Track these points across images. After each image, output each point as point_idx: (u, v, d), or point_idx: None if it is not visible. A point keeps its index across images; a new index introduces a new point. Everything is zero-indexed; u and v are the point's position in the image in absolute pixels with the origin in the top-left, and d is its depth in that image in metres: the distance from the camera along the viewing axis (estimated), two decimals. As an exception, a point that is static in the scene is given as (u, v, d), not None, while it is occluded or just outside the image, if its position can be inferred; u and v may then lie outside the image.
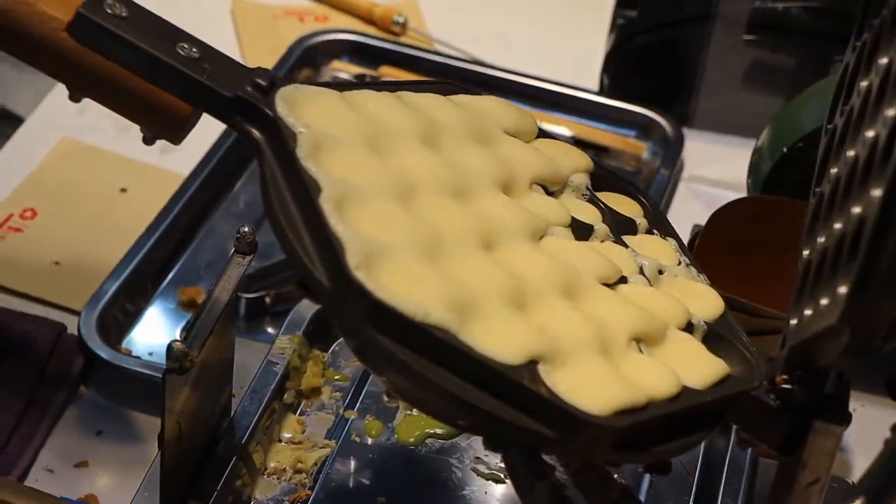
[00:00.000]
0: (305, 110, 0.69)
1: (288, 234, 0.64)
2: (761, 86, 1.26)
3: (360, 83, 0.75)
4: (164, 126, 0.73)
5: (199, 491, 0.81)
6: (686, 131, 1.26)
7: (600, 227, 0.75)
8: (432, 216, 0.67)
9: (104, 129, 1.21)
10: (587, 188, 0.78)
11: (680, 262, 0.76)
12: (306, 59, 1.31)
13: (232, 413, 0.86)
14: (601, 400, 0.62)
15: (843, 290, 0.58)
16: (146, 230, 1.08)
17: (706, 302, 0.74)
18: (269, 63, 1.29)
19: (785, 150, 1.01)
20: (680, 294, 0.73)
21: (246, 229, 0.79)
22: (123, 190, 1.17)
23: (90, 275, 1.05)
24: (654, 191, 1.18)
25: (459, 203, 0.70)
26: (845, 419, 0.65)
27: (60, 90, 0.80)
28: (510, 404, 0.61)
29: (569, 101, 1.28)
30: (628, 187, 0.81)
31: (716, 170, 1.24)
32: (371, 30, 1.39)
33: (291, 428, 0.89)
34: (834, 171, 0.70)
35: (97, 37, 0.70)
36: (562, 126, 1.26)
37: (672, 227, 0.79)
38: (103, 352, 0.98)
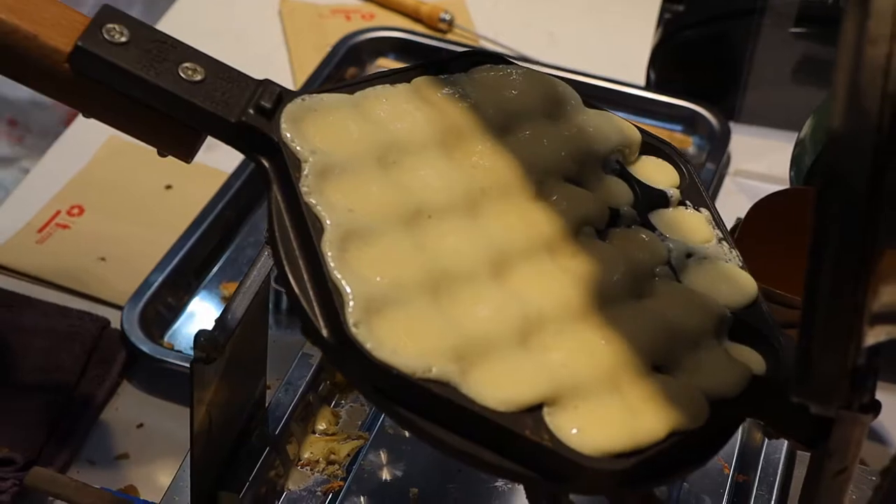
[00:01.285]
0: (313, 129, 0.68)
1: (290, 279, 0.63)
2: (809, 79, 1.25)
3: (375, 75, 0.73)
4: (173, 148, 0.73)
5: (232, 481, 0.81)
6: (732, 125, 1.25)
7: (626, 212, 0.73)
8: (440, 245, 0.67)
9: (151, 127, 1.22)
10: (617, 161, 0.76)
11: (712, 240, 0.74)
12: (351, 58, 1.31)
13: (266, 404, 0.86)
14: (604, 442, 0.62)
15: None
16: (190, 226, 1.09)
17: (736, 288, 0.72)
18: (315, 61, 1.29)
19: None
20: (709, 281, 0.71)
21: (275, 220, 0.79)
22: (169, 187, 1.18)
23: (135, 270, 1.06)
24: (699, 185, 1.18)
25: (472, 222, 0.68)
26: (872, 408, 0.64)
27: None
28: (511, 456, 0.61)
29: (615, 96, 1.28)
30: (664, 149, 0.78)
31: (762, 164, 1.22)
32: (418, 27, 1.39)
33: (326, 419, 0.89)
34: None
35: (97, 68, 0.68)
36: (607, 121, 1.25)
37: (707, 196, 0.77)
38: (145, 346, 0.99)
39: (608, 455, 0.61)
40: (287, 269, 0.64)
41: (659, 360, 0.67)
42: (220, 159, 1.19)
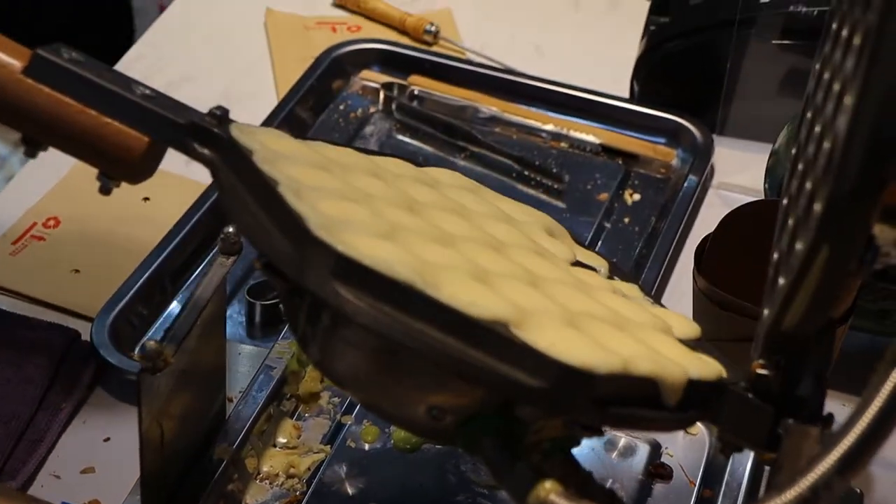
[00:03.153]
0: (259, 139, 0.71)
1: (250, 223, 0.65)
2: (794, 91, 1.24)
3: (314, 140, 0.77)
4: (119, 165, 0.75)
5: (188, 495, 0.81)
6: (716, 138, 1.24)
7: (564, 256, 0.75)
8: (386, 208, 0.67)
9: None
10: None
11: (647, 301, 0.75)
12: (335, 69, 1.31)
13: (226, 417, 0.85)
14: (582, 356, 0.60)
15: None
16: (164, 238, 1.09)
17: (684, 325, 0.72)
18: (299, 71, 1.29)
19: (799, 151, 0.98)
20: (660, 316, 0.71)
21: (230, 230, 0.78)
22: (146, 199, 1.17)
23: (108, 283, 1.05)
24: (681, 198, 1.17)
25: (412, 214, 0.70)
26: (821, 420, 0.63)
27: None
28: (489, 353, 0.59)
29: (598, 108, 1.27)
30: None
31: (745, 176, 1.21)
32: (403, 39, 1.38)
33: (287, 433, 0.88)
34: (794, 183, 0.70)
35: (55, 75, 0.73)
36: (591, 134, 1.24)
37: (633, 276, 0.79)
38: (114, 358, 0.98)
39: (580, 364, 0.59)
40: (247, 218, 0.65)
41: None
42: (198, 170, 1.18)
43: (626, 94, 1.29)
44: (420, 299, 0.60)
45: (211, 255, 1.11)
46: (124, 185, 1.17)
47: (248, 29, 1.41)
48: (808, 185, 0.64)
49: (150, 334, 1.04)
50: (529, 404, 0.63)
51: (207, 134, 0.71)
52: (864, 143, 0.55)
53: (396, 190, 0.72)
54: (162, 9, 1.72)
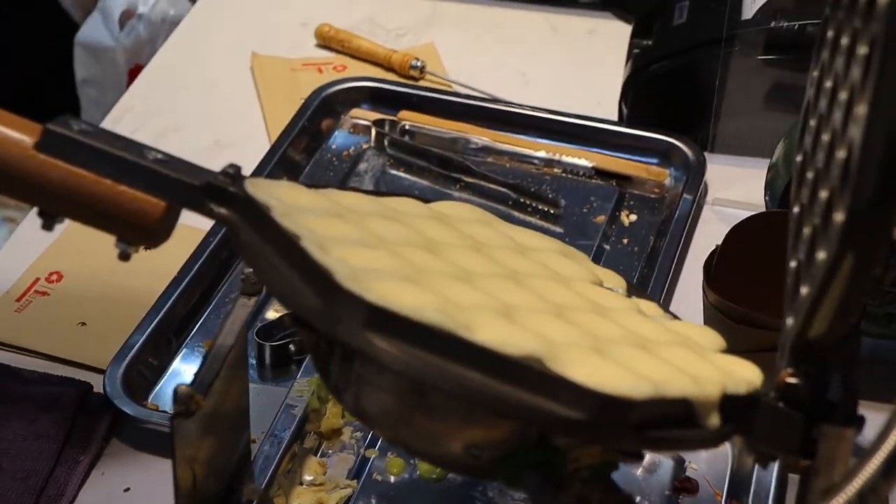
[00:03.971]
0: (274, 193, 0.71)
1: (275, 278, 0.65)
2: (780, 105, 1.25)
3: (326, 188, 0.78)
4: (138, 231, 0.74)
5: (221, 538, 0.81)
6: (707, 155, 1.25)
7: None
8: (409, 253, 0.68)
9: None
10: None
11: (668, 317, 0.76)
12: (325, 109, 1.31)
13: (252, 458, 0.86)
14: (619, 384, 0.61)
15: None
16: (168, 286, 1.09)
17: (708, 338, 0.73)
18: (289, 113, 1.29)
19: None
20: (682, 332, 0.72)
21: (250, 270, 0.79)
22: (147, 248, 1.17)
23: (116, 333, 1.06)
24: (678, 216, 1.18)
25: (432, 254, 0.70)
26: (855, 422, 0.64)
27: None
28: (527, 390, 0.60)
29: (589, 132, 1.28)
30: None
31: (738, 191, 1.22)
32: (390, 76, 1.39)
33: (313, 470, 0.88)
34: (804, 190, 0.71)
35: (67, 148, 0.72)
36: (584, 158, 1.26)
37: (649, 295, 0.80)
38: (129, 408, 0.98)
39: (617, 392, 0.60)
40: (271, 274, 0.65)
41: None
42: (196, 217, 1.19)
43: (615, 117, 1.31)
44: (454, 342, 0.60)
45: (216, 299, 1.11)
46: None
47: (234, 75, 1.41)
48: (824, 195, 0.65)
49: (161, 383, 1.04)
50: (571, 437, 0.64)
51: (223, 193, 0.71)
52: (880, 152, 0.56)
53: (413, 231, 0.72)
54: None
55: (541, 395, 0.60)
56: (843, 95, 0.66)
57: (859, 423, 0.64)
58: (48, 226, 0.76)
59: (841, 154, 0.61)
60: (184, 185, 0.72)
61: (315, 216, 0.69)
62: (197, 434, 0.74)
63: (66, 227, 1.17)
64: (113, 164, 0.72)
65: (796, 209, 0.73)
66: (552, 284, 0.71)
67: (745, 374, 0.68)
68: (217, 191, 0.71)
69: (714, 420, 0.64)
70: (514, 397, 0.60)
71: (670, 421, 0.63)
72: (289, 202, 0.70)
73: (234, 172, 0.72)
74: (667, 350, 0.67)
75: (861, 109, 0.58)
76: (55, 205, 0.74)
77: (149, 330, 1.05)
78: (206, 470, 0.78)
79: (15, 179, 0.73)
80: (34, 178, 0.72)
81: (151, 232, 0.73)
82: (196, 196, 0.71)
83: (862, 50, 0.62)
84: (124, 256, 0.75)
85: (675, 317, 0.76)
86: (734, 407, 0.65)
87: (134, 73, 1.84)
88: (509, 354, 0.60)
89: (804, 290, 0.64)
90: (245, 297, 0.78)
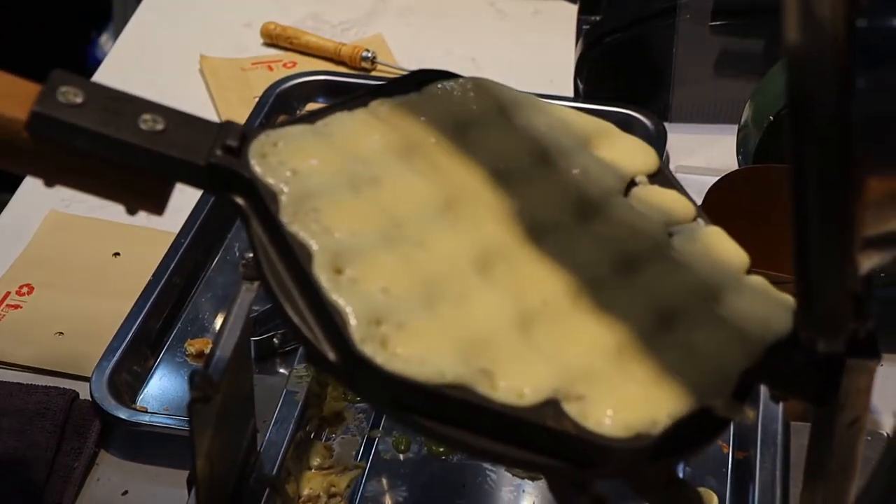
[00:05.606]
0: (281, 160, 0.68)
1: (287, 308, 0.63)
2: (734, 71, 1.27)
3: (333, 105, 0.73)
4: (144, 202, 0.70)
5: (237, 527, 0.80)
6: (667, 125, 1.26)
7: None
8: (425, 253, 0.66)
9: (89, 197, 1.20)
10: None
11: (692, 215, 0.75)
12: (281, 105, 1.31)
13: (259, 447, 0.85)
14: (626, 422, 0.61)
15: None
16: (146, 286, 1.08)
17: (736, 257, 0.73)
18: (244, 113, 1.29)
19: (771, 117, 1.01)
20: (699, 252, 0.72)
21: (250, 255, 0.78)
22: (116, 254, 1.16)
23: (94, 340, 1.04)
24: (643, 185, 1.18)
25: (448, 225, 0.68)
26: (877, 354, 0.65)
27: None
28: (537, 449, 0.61)
29: (546, 110, 1.28)
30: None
31: (700, 158, 1.24)
32: (341, 69, 1.39)
33: (320, 454, 0.88)
34: None
35: (57, 131, 0.66)
36: (543, 136, 1.26)
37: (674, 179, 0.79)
38: (120, 412, 0.97)
39: (632, 434, 0.61)
40: (282, 300, 0.63)
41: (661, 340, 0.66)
42: (164, 221, 1.18)
43: (571, 94, 1.31)
44: (469, 410, 0.61)
45: (194, 298, 1.11)
46: (92, 244, 1.17)
47: (186, 75, 1.40)
48: None
49: (148, 383, 1.03)
50: (599, 479, 0.65)
51: (228, 174, 0.66)
52: None
53: (424, 177, 0.70)
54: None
55: (557, 457, 0.61)
56: None
57: (879, 354, 0.65)
58: (49, 185, 0.72)
59: None
60: (187, 165, 0.66)
61: (329, 197, 0.66)
62: (212, 420, 0.74)
63: (33, 238, 1.18)
64: (107, 145, 0.66)
65: None
66: (571, 239, 0.70)
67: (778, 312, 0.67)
68: (221, 171, 0.66)
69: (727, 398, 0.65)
70: (537, 462, 0.62)
71: (692, 432, 0.63)
72: (301, 172, 0.67)
73: (236, 144, 0.67)
74: (697, 329, 0.67)
75: None
76: (57, 177, 0.71)
77: (130, 333, 1.03)
78: (218, 460, 0.77)
79: (15, 157, 0.68)
80: (34, 156, 0.68)
81: (158, 202, 0.70)
82: (201, 178, 0.67)
83: None
84: (132, 212, 0.72)
85: (707, 220, 0.75)
86: (751, 378, 0.66)
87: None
88: (528, 412, 0.61)
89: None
90: (248, 282, 0.78)
